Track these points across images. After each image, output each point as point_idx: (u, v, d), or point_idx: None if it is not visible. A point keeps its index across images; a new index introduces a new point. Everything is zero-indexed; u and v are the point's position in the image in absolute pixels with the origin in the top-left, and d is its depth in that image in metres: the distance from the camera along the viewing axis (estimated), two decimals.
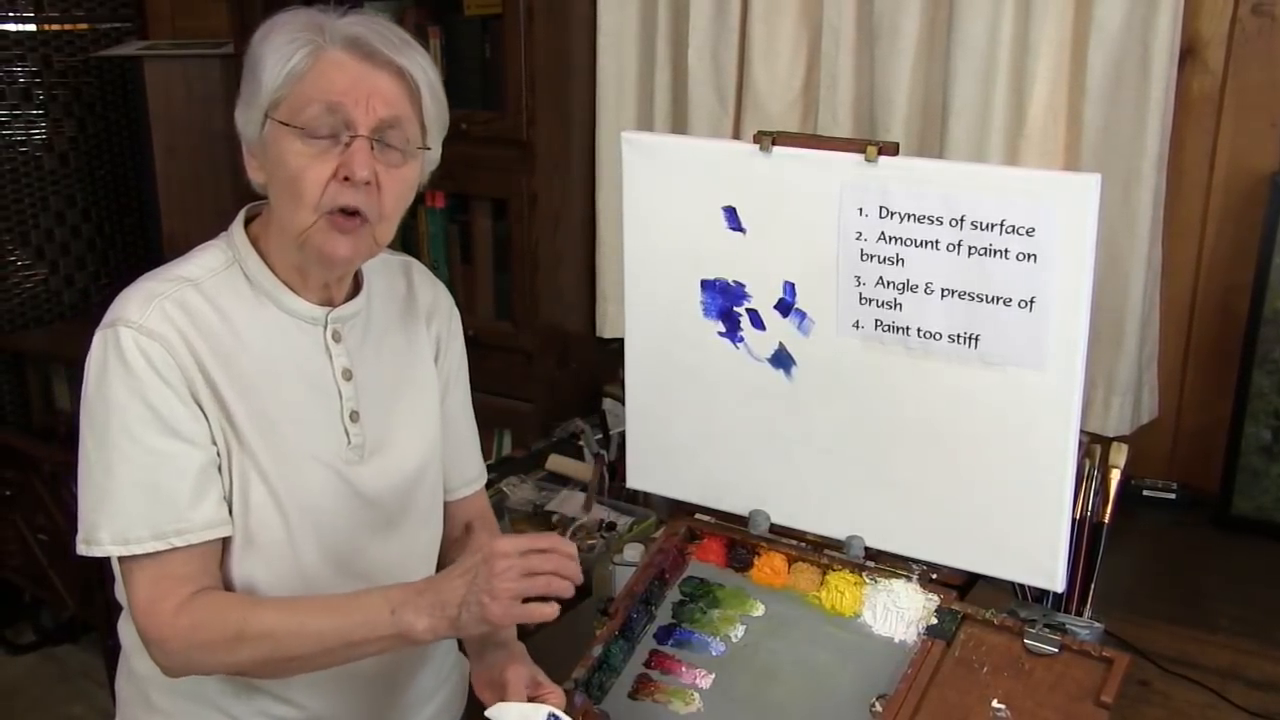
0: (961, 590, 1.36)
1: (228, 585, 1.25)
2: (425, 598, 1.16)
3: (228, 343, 1.23)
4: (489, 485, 1.60)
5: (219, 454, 1.23)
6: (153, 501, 1.19)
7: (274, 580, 1.26)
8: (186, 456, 1.20)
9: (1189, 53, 1.93)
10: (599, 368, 2.49)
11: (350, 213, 1.21)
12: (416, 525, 1.40)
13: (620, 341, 1.57)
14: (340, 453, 1.30)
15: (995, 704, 1.24)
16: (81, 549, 1.20)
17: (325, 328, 1.30)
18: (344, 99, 1.19)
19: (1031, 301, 1.22)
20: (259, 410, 1.24)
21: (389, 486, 1.35)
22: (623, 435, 1.76)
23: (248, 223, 1.30)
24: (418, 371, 1.41)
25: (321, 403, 1.30)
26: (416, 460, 1.38)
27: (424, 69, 1.25)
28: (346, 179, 1.19)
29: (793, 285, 1.37)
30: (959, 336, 1.28)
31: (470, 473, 1.52)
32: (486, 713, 1.23)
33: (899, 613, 1.35)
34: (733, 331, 1.42)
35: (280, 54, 1.20)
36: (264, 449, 1.24)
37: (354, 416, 1.31)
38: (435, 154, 1.31)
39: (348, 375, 1.31)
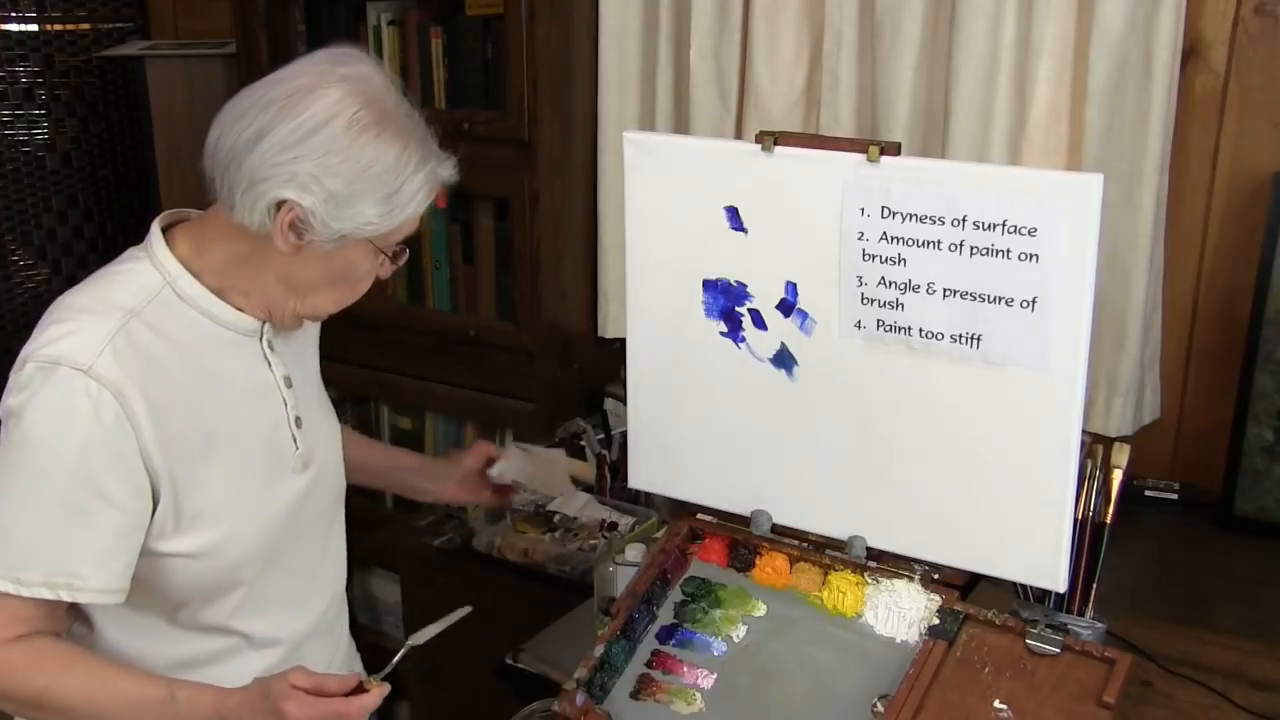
0: (963, 590, 1.36)
1: (160, 575, 1.23)
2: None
3: (178, 376, 1.21)
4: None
5: (158, 499, 1.20)
6: (51, 549, 1.16)
7: (206, 578, 1.26)
8: (104, 517, 1.17)
9: (1192, 53, 1.93)
10: (601, 368, 2.49)
11: None
12: (336, 512, 1.45)
13: (622, 341, 1.57)
14: (289, 460, 1.32)
15: (997, 704, 1.24)
16: None
17: (261, 338, 1.30)
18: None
19: (1033, 302, 1.22)
20: (215, 438, 1.24)
21: (326, 483, 1.39)
22: (624, 435, 1.76)
23: (166, 230, 1.27)
24: (314, 363, 1.45)
25: (271, 414, 1.31)
26: (337, 450, 1.43)
27: None
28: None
29: (794, 285, 1.37)
30: (961, 337, 1.28)
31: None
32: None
33: (901, 613, 1.35)
34: (734, 331, 1.42)
35: (417, 202, 1.21)
36: (222, 478, 1.24)
37: (298, 422, 1.33)
38: None
39: (288, 382, 1.33)
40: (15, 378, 1.17)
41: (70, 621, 1.28)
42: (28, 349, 1.18)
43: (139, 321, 1.19)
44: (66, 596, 1.17)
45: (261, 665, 1.32)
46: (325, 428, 1.41)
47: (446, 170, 1.24)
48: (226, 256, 1.23)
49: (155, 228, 1.26)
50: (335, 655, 1.47)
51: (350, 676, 1.17)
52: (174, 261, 1.24)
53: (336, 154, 1.14)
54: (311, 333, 1.44)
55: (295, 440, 1.32)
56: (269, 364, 1.30)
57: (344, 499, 1.47)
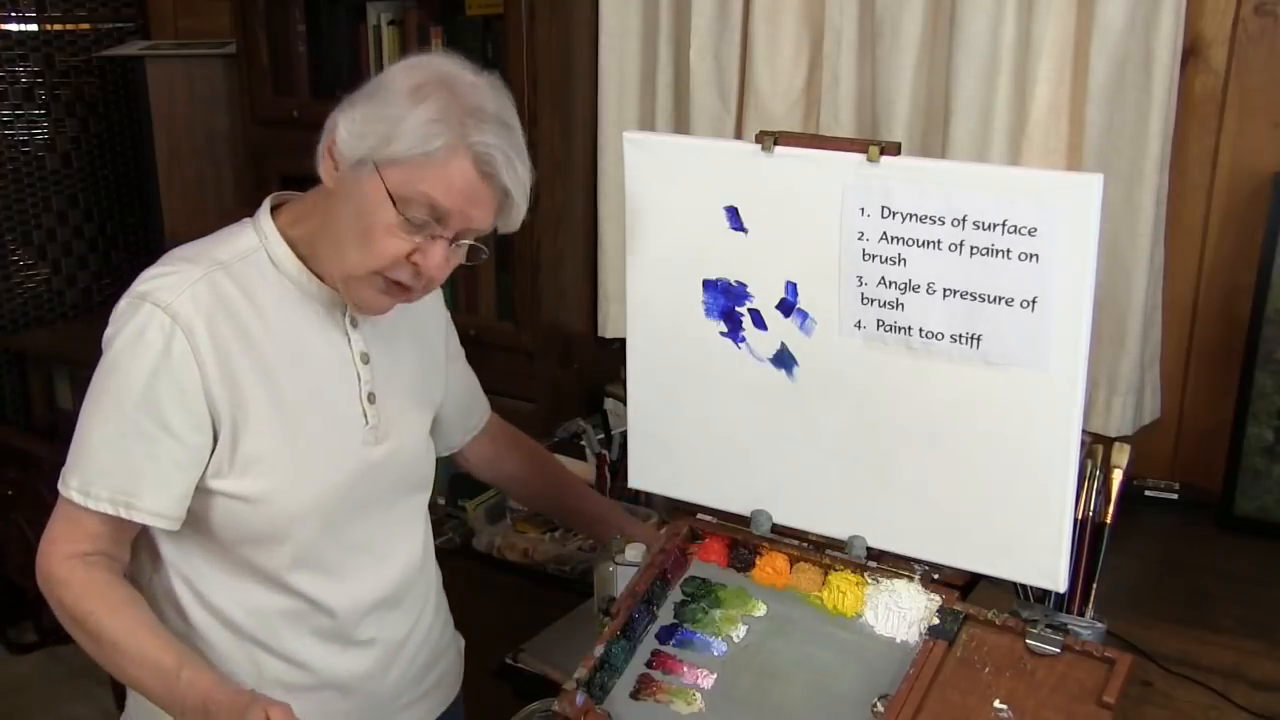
0: (963, 590, 1.36)
1: (216, 521, 1.30)
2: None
3: (253, 327, 1.29)
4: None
5: (215, 442, 1.28)
6: (119, 469, 1.25)
7: (256, 524, 1.31)
8: (164, 446, 1.25)
9: (1192, 53, 1.93)
10: (601, 368, 2.49)
11: (401, 285, 1.28)
12: (411, 496, 1.47)
13: (622, 341, 1.57)
14: (358, 433, 1.36)
15: (997, 704, 1.24)
16: (59, 484, 1.28)
17: (345, 313, 1.35)
18: (448, 210, 1.23)
19: (1034, 302, 1.22)
20: (280, 392, 1.30)
21: (398, 465, 1.42)
22: (624, 435, 1.76)
23: (275, 209, 1.35)
24: (425, 352, 1.48)
25: (341, 384, 1.36)
26: (422, 439, 1.47)
27: (526, 194, 1.28)
28: (415, 264, 1.26)
29: (794, 285, 1.37)
30: (961, 337, 1.28)
31: (484, 410, 1.66)
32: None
33: (901, 613, 1.35)
34: (734, 331, 1.42)
35: (418, 132, 1.21)
36: (281, 431, 1.30)
37: (371, 398, 1.37)
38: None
39: (365, 359, 1.37)
40: (114, 310, 1.27)
41: (145, 559, 1.36)
42: (130, 288, 1.28)
43: (225, 273, 1.29)
44: (124, 514, 1.26)
45: (324, 630, 1.38)
46: (409, 412, 1.43)
47: (487, 141, 1.22)
48: (313, 231, 1.31)
49: (266, 202, 1.36)
50: (413, 634, 1.48)
51: None
52: (273, 229, 1.33)
53: (380, 82, 1.25)
54: (418, 332, 1.47)
55: (365, 415, 1.37)
56: (348, 338, 1.36)
57: (427, 488, 1.50)
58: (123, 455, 1.25)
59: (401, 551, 1.45)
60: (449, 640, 1.58)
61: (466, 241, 1.27)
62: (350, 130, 1.24)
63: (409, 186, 1.22)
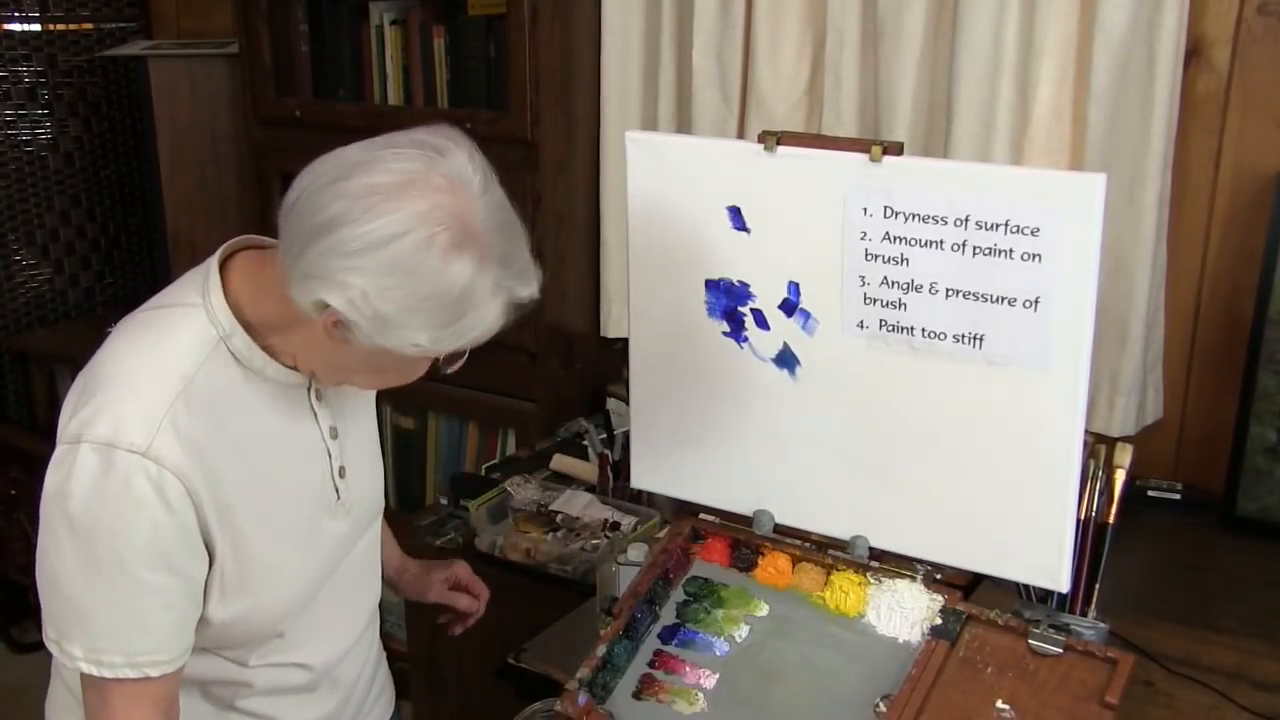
0: (966, 590, 1.36)
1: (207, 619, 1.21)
2: None
3: (227, 439, 1.16)
4: (494, 484, 1.60)
5: (211, 564, 1.18)
6: (133, 631, 1.13)
7: (244, 636, 1.25)
8: (178, 591, 1.15)
9: (1194, 53, 1.92)
10: (603, 367, 2.49)
11: None
12: (370, 534, 1.40)
13: (624, 341, 1.57)
14: (331, 509, 1.29)
15: (999, 704, 1.24)
16: (51, 649, 1.15)
17: (310, 390, 1.24)
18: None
19: (1036, 302, 1.22)
20: (263, 500, 1.20)
21: (364, 520, 1.36)
22: (627, 435, 1.76)
23: (224, 264, 1.18)
24: (368, 408, 1.39)
25: (315, 466, 1.27)
26: (378, 490, 1.40)
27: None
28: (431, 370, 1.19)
29: (797, 285, 1.37)
30: (963, 337, 1.28)
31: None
32: None
33: (903, 613, 1.34)
34: (737, 331, 1.42)
35: (482, 329, 1.09)
36: (269, 543, 1.22)
37: (342, 472, 1.29)
38: None
39: (334, 433, 1.28)
40: (68, 457, 1.10)
41: None
42: (76, 422, 1.10)
43: (194, 389, 1.13)
44: (153, 672, 1.14)
45: (299, 685, 1.33)
46: (368, 472, 1.37)
47: (526, 289, 1.11)
48: (278, 314, 1.14)
49: (214, 266, 1.17)
50: (366, 665, 1.45)
51: None
52: (228, 315, 1.15)
53: (396, 276, 1.03)
54: None
55: (338, 490, 1.29)
56: (315, 415, 1.25)
57: (379, 522, 1.44)
58: (134, 616, 1.13)
59: (369, 592, 1.43)
60: (380, 648, 1.53)
61: None
62: (375, 328, 1.06)
63: (455, 351, 1.14)
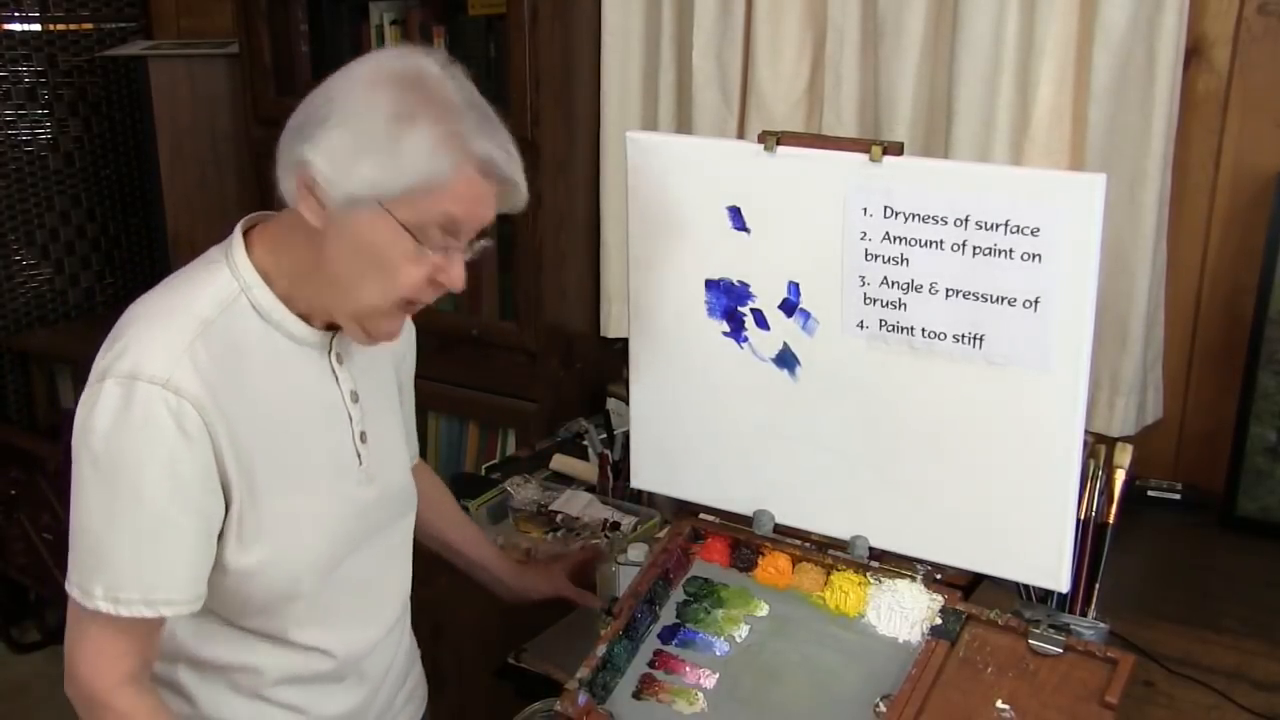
0: (966, 590, 1.36)
1: (220, 586, 1.24)
2: None
3: (248, 386, 1.20)
4: (494, 484, 1.60)
5: (228, 508, 1.20)
6: (149, 566, 1.16)
7: (265, 591, 1.25)
8: (193, 527, 1.17)
9: (1194, 53, 1.92)
10: (603, 367, 2.49)
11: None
12: (401, 521, 1.43)
13: (624, 341, 1.57)
14: (353, 475, 1.31)
15: (999, 704, 1.24)
16: (74, 594, 1.17)
17: (330, 352, 1.28)
18: (463, 221, 1.18)
19: (1036, 302, 1.22)
20: (281, 451, 1.23)
21: (388, 499, 1.37)
22: (627, 435, 1.75)
23: (247, 232, 1.26)
24: (390, 381, 1.42)
25: (335, 429, 1.30)
26: (407, 466, 1.43)
27: (523, 172, 1.22)
28: (437, 282, 1.20)
29: (797, 285, 1.37)
30: (964, 337, 1.28)
31: (415, 440, 1.55)
32: None
33: (903, 613, 1.35)
34: (737, 331, 1.42)
35: (425, 161, 1.13)
36: (285, 494, 1.24)
37: (363, 438, 1.32)
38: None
39: (355, 397, 1.31)
40: (93, 393, 1.14)
41: None
42: (103, 361, 1.16)
43: (214, 331, 1.18)
44: (165, 612, 1.18)
45: (324, 675, 1.33)
46: (394, 446, 1.39)
47: (485, 146, 1.15)
48: (294, 264, 1.22)
49: (237, 230, 1.25)
50: (395, 662, 1.45)
51: None
52: (250, 269, 1.22)
53: (346, 105, 1.14)
54: (388, 352, 1.40)
55: (359, 455, 1.31)
56: (336, 378, 1.29)
57: (413, 517, 1.45)
58: (152, 553, 1.15)
59: (398, 582, 1.43)
60: (412, 647, 1.54)
61: (480, 244, 1.22)
62: (334, 167, 1.14)
63: (423, 215, 1.15)
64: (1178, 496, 1.99)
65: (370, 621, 1.38)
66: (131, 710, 1.19)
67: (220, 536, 1.21)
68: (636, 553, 1.63)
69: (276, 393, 1.23)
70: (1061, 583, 1.30)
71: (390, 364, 1.42)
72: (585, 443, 2.19)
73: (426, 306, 1.25)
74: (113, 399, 1.13)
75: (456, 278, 1.20)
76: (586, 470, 2.12)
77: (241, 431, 1.18)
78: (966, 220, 1.24)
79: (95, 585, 1.16)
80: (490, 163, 1.17)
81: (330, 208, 1.15)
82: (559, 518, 1.98)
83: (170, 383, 1.13)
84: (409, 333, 1.47)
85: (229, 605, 1.25)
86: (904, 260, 1.29)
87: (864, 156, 1.28)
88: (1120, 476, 1.40)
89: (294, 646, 1.30)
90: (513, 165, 1.20)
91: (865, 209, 1.29)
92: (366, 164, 1.13)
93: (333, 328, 1.27)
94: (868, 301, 1.32)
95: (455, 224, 1.18)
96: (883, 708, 1.25)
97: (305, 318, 1.25)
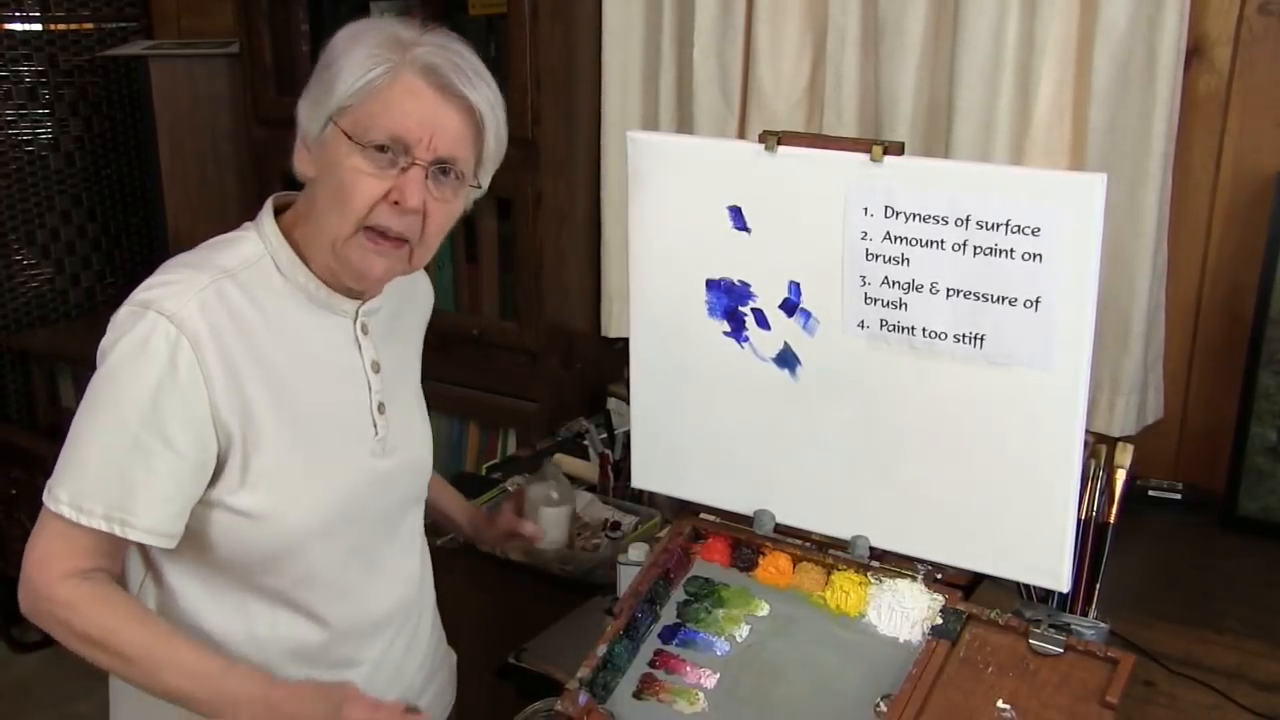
0: (966, 590, 1.36)
1: (226, 546, 1.26)
2: (275, 713, 1.19)
3: (261, 338, 1.25)
4: (494, 484, 1.60)
5: (220, 458, 1.23)
6: (115, 484, 1.20)
7: (266, 541, 1.26)
8: (165, 460, 1.20)
9: (1195, 52, 1.92)
10: (604, 367, 2.49)
11: (391, 236, 1.24)
12: (414, 508, 1.45)
13: (625, 341, 1.57)
14: (368, 444, 1.34)
15: (1000, 704, 1.24)
16: (45, 498, 1.22)
17: (355, 320, 1.33)
18: (410, 132, 1.21)
19: (1037, 301, 1.22)
20: (290, 405, 1.26)
21: (404, 478, 1.39)
22: (627, 435, 1.76)
23: (277, 213, 1.31)
24: (415, 358, 1.47)
25: (352, 395, 1.33)
26: (428, 449, 1.45)
27: (493, 107, 1.26)
28: (396, 203, 1.22)
29: (798, 285, 1.37)
30: (964, 336, 1.28)
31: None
32: None
33: (904, 613, 1.35)
34: (738, 331, 1.42)
35: (358, 66, 1.21)
36: (292, 445, 1.26)
37: (381, 408, 1.35)
38: (484, 188, 1.33)
39: (376, 367, 1.35)
40: (113, 319, 1.22)
41: (148, 581, 1.31)
42: (130, 296, 1.23)
43: (232, 282, 1.24)
44: (119, 531, 1.20)
45: (322, 652, 1.34)
46: (414, 422, 1.42)
47: (428, 53, 1.22)
48: (311, 221, 1.28)
49: (268, 203, 1.32)
50: (408, 658, 1.45)
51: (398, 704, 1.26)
52: (277, 234, 1.28)
53: (320, 60, 1.26)
54: (414, 335, 1.46)
55: (375, 425, 1.34)
56: (359, 346, 1.33)
57: (424, 500, 1.47)
58: (119, 469, 1.19)
59: (404, 567, 1.43)
60: (442, 657, 1.55)
61: (449, 179, 1.24)
62: (306, 108, 1.24)
63: (367, 122, 1.20)
64: (1178, 496, 1.99)
65: (367, 599, 1.37)
66: (71, 598, 1.20)
67: (220, 476, 1.23)
68: (637, 552, 1.63)
69: (293, 351, 1.27)
70: (1062, 582, 1.30)
71: (415, 344, 1.45)
72: (586, 442, 2.19)
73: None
74: (124, 322, 1.20)
75: (410, 194, 1.21)
76: (587, 470, 2.12)
77: (245, 379, 1.22)
78: (967, 220, 1.24)
79: (63, 490, 1.20)
80: (434, 70, 1.21)
81: (312, 149, 1.24)
82: None
83: (175, 317, 1.18)
84: (428, 303, 1.51)
85: (228, 549, 1.26)
86: (905, 260, 1.29)
87: (865, 156, 1.28)
88: (1121, 476, 1.40)
89: (292, 611, 1.31)
90: (468, 84, 1.22)
91: (866, 209, 1.29)
92: (320, 88, 1.23)
93: (356, 296, 1.31)
94: (868, 301, 1.32)
95: (402, 137, 1.20)
96: (883, 707, 1.25)
97: (330, 284, 1.29)
